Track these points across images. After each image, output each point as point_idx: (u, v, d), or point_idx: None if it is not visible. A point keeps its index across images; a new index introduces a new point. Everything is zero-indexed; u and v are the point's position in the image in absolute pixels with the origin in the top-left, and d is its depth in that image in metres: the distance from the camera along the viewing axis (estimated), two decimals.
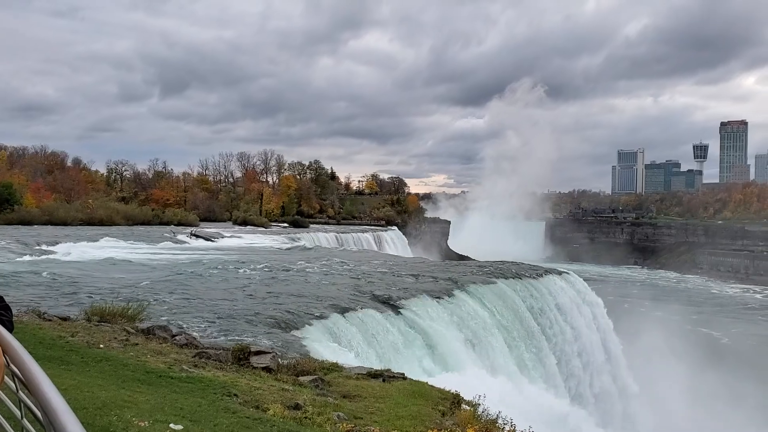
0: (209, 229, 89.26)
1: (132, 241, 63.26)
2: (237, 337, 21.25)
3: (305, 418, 11.16)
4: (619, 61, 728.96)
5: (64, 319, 17.92)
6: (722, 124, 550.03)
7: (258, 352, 15.71)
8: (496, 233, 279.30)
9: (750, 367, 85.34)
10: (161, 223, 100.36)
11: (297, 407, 11.73)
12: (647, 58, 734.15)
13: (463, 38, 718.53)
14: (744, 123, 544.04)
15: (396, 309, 29.43)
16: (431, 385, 15.82)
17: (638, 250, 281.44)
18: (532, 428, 13.08)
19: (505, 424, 13.26)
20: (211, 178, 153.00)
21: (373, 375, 16.17)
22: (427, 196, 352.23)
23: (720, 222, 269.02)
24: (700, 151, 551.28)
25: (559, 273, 50.70)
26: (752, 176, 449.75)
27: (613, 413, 43.83)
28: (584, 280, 53.65)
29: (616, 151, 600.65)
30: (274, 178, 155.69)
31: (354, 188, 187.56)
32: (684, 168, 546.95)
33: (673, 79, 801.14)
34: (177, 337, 17.18)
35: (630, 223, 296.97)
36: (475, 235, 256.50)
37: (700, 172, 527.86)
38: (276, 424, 10.39)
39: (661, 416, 54.94)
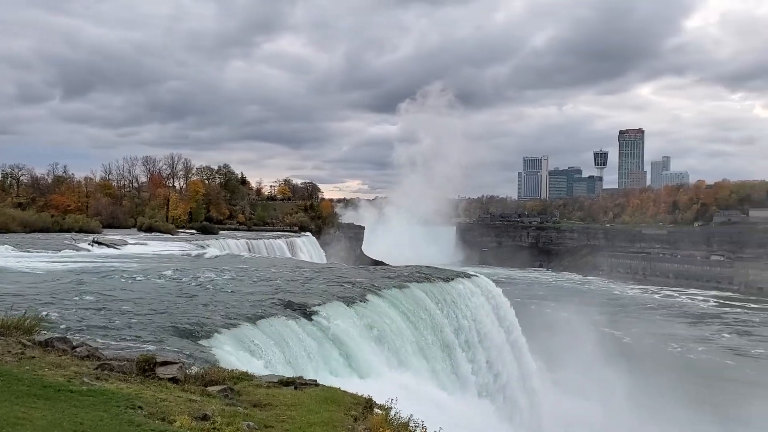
0: (113, 236, 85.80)
1: (29, 249, 59.97)
2: (142, 348, 20.51)
3: (214, 428, 10.88)
4: (527, 71, 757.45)
5: None
6: (621, 132, 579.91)
7: (164, 363, 15.18)
8: (409, 238, 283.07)
9: (649, 364, 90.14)
10: (61, 230, 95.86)
11: (205, 418, 11.42)
12: (552, 69, 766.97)
13: (378, 45, 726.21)
14: (641, 131, 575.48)
15: (308, 316, 29.22)
16: (344, 391, 15.78)
17: (543, 253, 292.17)
18: (443, 429, 13.27)
19: (416, 426, 13.40)
20: (114, 184, 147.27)
21: (285, 383, 15.95)
22: (343, 201, 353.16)
23: (619, 226, 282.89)
24: (601, 158, 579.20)
25: (469, 276, 51.80)
26: (648, 182, 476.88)
27: (520, 409, 45.16)
28: (493, 282, 55.05)
29: (522, 158, 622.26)
30: (182, 183, 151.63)
31: (266, 193, 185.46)
32: (585, 174, 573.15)
33: (576, 89, 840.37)
34: (78, 349, 16.35)
35: (535, 228, 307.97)
36: (390, 241, 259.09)
37: (601, 178, 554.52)
38: None
39: (565, 411, 57.13)
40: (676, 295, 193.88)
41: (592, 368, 79.74)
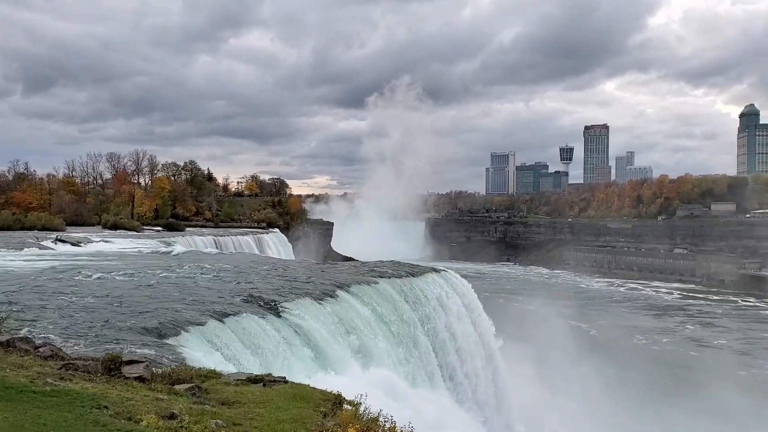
0: (77, 233, 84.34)
1: None
2: (108, 347, 20.20)
3: (181, 427, 10.79)
4: (494, 67, 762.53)
5: None
6: (586, 128, 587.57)
7: (130, 362, 14.99)
8: (379, 234, 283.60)
9: (615, 355, 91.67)
10: (23, 228, 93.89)
11: (172, 417, 11.31)
12: (519, 65, 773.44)
13: (346, 40, 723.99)
14: (606, 127, 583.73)
15: (277, 312, 29.08)
16: (313, 387, 15.76)
17: (511, 248, 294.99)
18: (412, 424, 13.33)
19: (386, 421, 13.42)
20: (78, 180, 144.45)
21: (253, 380, 15.88)
22: (312, 197, 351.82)
23: (584, 220, 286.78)
24: (566, 154, 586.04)
25: (438, 271, 52.05)
26: (613, 177, 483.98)
27: (488, 403, 45.58)
28: (462, 276, 55.38)
29: (490, 154, 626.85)
30: (147, 180, 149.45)
31: (233, 190, 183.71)
32: (552, 169, 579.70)
33: (543, 85, 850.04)
34: (41, 349, 16.04)
35: (503, 222, 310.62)
36: (359, 236, 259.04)
37: (567, 174, 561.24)
38: None
39: (533, 402, 57.87)
40: (640, 287, 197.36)
41: (559, 360, 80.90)
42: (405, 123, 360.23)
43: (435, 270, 51.96)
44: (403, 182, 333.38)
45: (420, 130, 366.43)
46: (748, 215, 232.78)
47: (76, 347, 20.28)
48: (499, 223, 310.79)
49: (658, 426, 64.34)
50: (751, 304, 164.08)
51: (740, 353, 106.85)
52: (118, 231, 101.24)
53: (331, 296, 34.04)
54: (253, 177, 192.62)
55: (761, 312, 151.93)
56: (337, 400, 14.80)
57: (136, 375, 14.39)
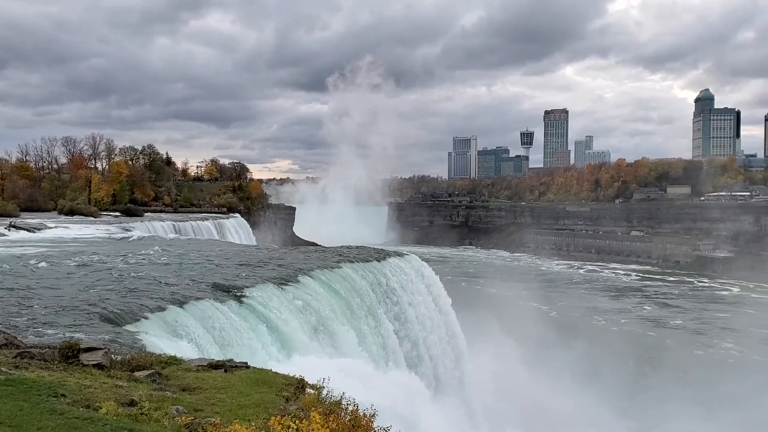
0: (31, 219, 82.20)
1: None
2: (65, 335, 19.81)
3: (141, 414, 10.67)
4: (456, 50, 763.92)
5: None
6: (546, 112, 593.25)
7: (89, 349, 14.75)
8: (342, 218, 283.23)
9: (575, 336, 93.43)
10: None
11: (132, 404, 11.19)
12: (481, 49, 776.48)
13: (308, 22, 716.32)
14: (565, 111, 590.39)
15: (239, 298, 28.87)
16: (275, 372, 15.73)
17: (473, 232, 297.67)
18: (375, 406, 13.40)
19: (348, 404, 13.48)
20: (32, 165, 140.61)
21: (215, 366, 15.78)
22: (273, 181, 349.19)
23: (544, 204, 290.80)
24: (527, 138, 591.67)
25: (401, 255, 52.24)
26: (572, 161, 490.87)
27: (451, 384, 46.11)
28: (425, 261, 55.71)
29: (452, 138, 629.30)
30: (104, 165, 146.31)
31: (192, 174, 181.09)
32: (513, 154, 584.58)
33: (504, 69, 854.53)
34: None
35: (465, 207, 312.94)
36: (322, 221, 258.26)
37: (527, 158, 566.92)
38: (109, 422, 9.85)
39: (494, 384, 58.75)
40: (598, 269, 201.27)
41: (520, 341, 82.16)
42: (367, 106, 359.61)
43: (398, 254, 52.15)
44: (367, 166, 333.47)
45: (383, 113, 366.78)
46: (702, 198, 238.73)
47: (31, 336, 19.85)
48: (462, 208, 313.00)
49: (618, 403, 65.82)
50: (706, 284, 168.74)
51: (696, 333, 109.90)
52: (75, 217, 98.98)
53: (293, 281, 33.92)
54: (212, 161, 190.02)
55: (716, 292, 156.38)
56: (300, 385, 14.81)
57: (95, 362, 14.17)
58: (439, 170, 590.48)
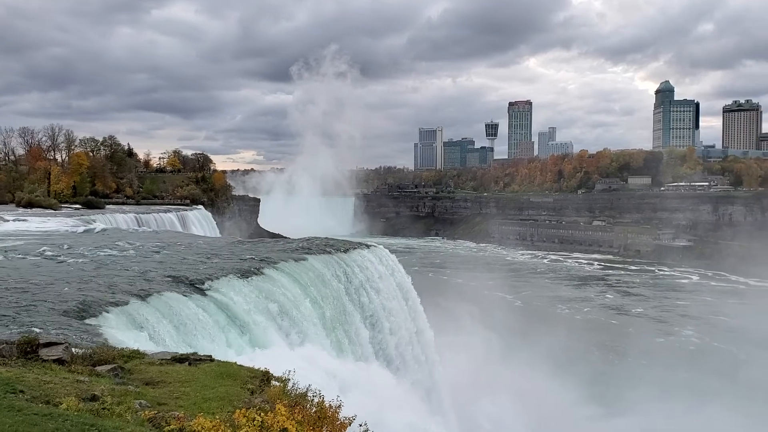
0: None
1: None
2: (24, 329, 19.40)
3: (103, 409, 10.51)
4: (422, 42, 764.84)
5: None
6: (510, 104, 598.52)
7: (48, 344, 14.47)
8: (308, 210, 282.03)
9: (540, 325, 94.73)
10: None
11: (94, 399, 11.02)
12: (447, 41, 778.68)
13: (273, 12, 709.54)
14: (529, 103, 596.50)
15: (202, 290, 28.59)
16: (240, 365, 15.64)
17: (439, 222, 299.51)
18: (341, 397, 13.42)
19: (314, 396, 13.47)
20: None
21: (179, 359, 15.61)
22: (237, 172, 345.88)
23: (509, 194, 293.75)
24: (492, 130, 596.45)
25: (368, 246, 52.20)
26: (536, 152, 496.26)
27: (417, 373, 46.37)
28: (392, 252, 55.79)
29: (418, 129, 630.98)
30: (64, 156, 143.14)
31: (155, 165, 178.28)
32: (478, 145, 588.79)
33: (469, 61, 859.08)
34: None
35: (431, 198, 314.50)
36: (287, 213, 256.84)
37: (492, 149, 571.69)
38: (70, 418, 9.67)
39: (461, 373, 59.28)
40: (562, 259, 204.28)
41: (486, 330, 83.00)
42: (333, 95, 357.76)
43: (365, 245, 52.10)
44: (333, 156, 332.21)
45: (349, 103, 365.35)
46: (662, 188, 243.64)
47: None
48: (428, 199, 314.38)
49: (585, 390, 66.93)
50: (666, 273, 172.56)
51: (658, 321, 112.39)
52: (34, 209, 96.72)
53: (257, 273, 33.68)
54: (175, 152, 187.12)
55: (676, 281, 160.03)
56: (265, 377, 14.75)
57: (55, 357, 13.92)
58: (406, 161, 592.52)
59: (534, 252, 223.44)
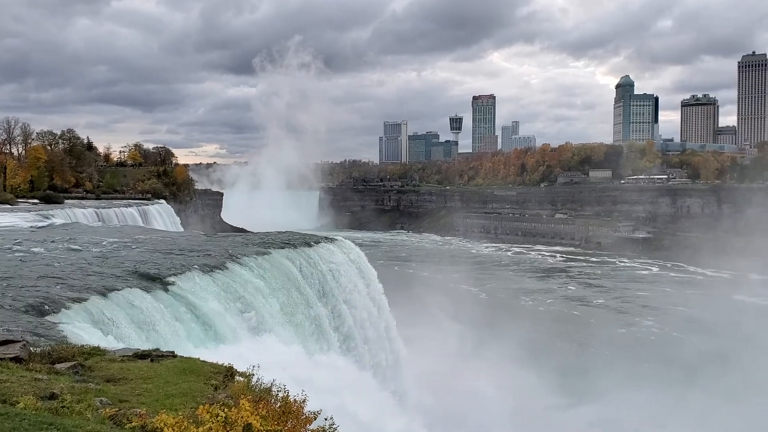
0: None
1: None
2: None
3: (62, 407, 10.32)
4: (387, 35, 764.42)
5: None
6: (474, 98, 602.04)
7: (5, 342, 14.17)
8: (272, 204, 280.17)
9: (504, 317, 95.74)
10: None
11: (53, 397, 10.82)
12: (412, 34, 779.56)
13: (236, 4, 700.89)
14: (493, 97, 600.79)
15: (164, 286, 28.20)
16: (203, 361, 15.50)
17: (405, 216, 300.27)
18: (306, 392, 13.40)
19: (279, 391, 13.43)
20: None
21: (140, 356, 15.41)
22: (200, 166, 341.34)
23: (473, 188, 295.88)
24: (456, 123, 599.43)
25: (333, 240, 52.08)
26: (500, 146, 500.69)
27: (382, 365, 46.53)
28: (357, 245, 55.77)
29: (383, 123, 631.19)
30: (20, 150, 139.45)
31: (115, 159, 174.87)
32: (442, 139, 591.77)
33: (434, 55, 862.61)
34: None
35: (396, 191, 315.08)
36: (251, 207, 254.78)
37: (456, 143, 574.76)
38: (27, 417, 9.47)
39: (426, 366, 59.63)
40: (525, 251, 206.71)
41: (451, 323, 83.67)
42: (298, 88, 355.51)
43: (330, 239, 51.98)
44: (297, 150, 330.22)
45: (313, 95, 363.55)
46: (622, 181, 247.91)
47: None
48: (393, 192, 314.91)
49: (550, 380, 67.78)
50: (627, 264, 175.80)
51: (619, 311, 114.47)
52: None
53: (220, 268, 33.36)
54: (136, 146, 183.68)
55: (636, 272, 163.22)
56: (229, 373, 14.66)
57: (12, 355, 13.63)
58: (371, 155, 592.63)
59: (498, 245, 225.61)
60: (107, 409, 10.54)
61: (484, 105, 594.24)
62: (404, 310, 63.73)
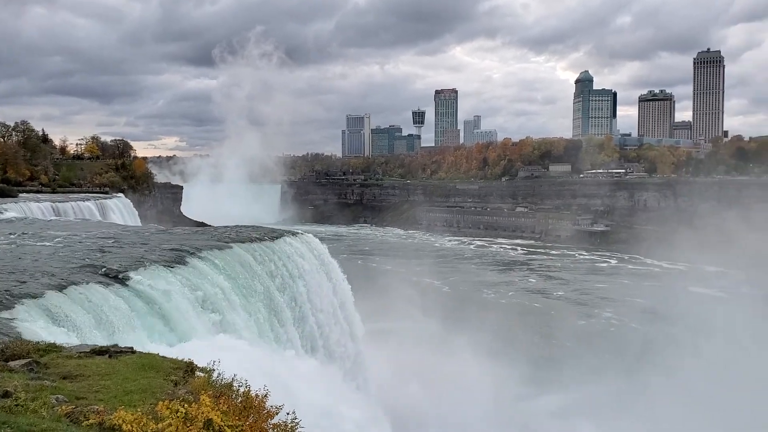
0: None
1: None
2: None
3: (16, 405, 10.11)
4: (350, 28, 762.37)
5: None
6: (437, 92, 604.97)
7: None
8: (233, 197, 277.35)
9: (466, 309, 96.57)
10: None
11: (6, 395, 10.59)
12: (375, 27, 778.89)
13: None
14: (455, 91, 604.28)
15: (123, 281, 27.72)
16: (163, 356, 15.32)
17: (368, 209, 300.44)
18: (267, 387, 13.36)
19: (240, 386, 13.37)
20: None
21: (98, 352, 15.15)
22: (159, 159, 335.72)
23: (436, 181, 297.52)
24: (419, 117, 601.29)
25: (295, 234, 51.79)
26: (462, 140, 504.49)
27: (345, 361, 46.61)
28: (320, 239, 55.57)
29: (346, 116, 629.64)
30: None
31: (72, 152, 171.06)
32: (405, 132, 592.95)
33: (397, 48, 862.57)
34: None
35: (359, 185, 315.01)
36: (212, 200, 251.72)
37: (419, 137, 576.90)
38: None
39: (390, 359, 59.92)
40: (487, 245, 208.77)
41: (414, 316, 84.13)
42: (259, 80, 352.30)
43: (292, 233, 51.67)
44: (259, 142, 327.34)
45: (275, 87, 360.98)
46: (581, 175, 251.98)
47: None
48: (356, 186, 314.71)
49: (512, 372, 68.54)
50: (586, 257, 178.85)
51: (578, 303, 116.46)
52: None
53: (180, 263, 32.92)
54: (93, 138, 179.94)
55: (595, 264, 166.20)
56: (189, 368, 14.51)
57: None
58: (333, 148, 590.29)
59: (460, 238, 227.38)
60: (63, 407, 10.36)
61: (446, 99, 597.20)
62: (367, 303, 63.77)
